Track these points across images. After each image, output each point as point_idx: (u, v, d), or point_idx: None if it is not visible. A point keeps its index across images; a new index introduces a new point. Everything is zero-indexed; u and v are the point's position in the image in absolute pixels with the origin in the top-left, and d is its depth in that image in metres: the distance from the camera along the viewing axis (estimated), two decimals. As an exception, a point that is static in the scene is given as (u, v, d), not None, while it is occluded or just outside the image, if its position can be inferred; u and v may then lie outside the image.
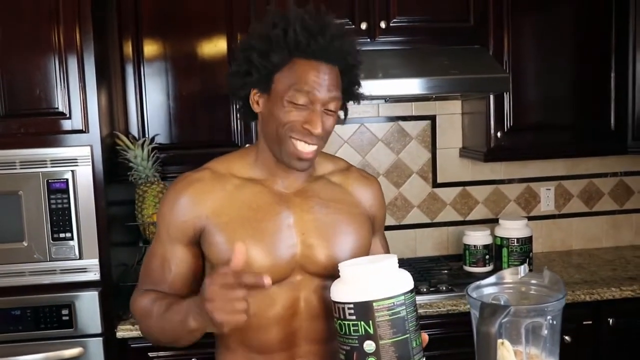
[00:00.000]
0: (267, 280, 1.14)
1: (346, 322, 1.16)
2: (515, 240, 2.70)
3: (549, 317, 1.14)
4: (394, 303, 1.13)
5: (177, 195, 1.40)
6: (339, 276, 1.24)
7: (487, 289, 1.26)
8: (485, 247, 2.75)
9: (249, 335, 1.38)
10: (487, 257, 2.76)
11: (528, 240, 2.72)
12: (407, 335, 1.15)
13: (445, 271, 2.78)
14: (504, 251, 2.72)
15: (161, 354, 2.34)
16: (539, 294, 1.23)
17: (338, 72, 1.34)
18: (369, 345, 1.13)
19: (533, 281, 1.25)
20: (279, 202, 1.39)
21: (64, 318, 2.22)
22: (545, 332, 1.15)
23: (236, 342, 1.42)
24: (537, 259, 2.97)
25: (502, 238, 2.73)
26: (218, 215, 1.36)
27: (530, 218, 2.97)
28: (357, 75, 1.41)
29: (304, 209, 1.39)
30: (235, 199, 1.38)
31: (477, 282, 1.26)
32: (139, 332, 2.23)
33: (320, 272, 1.38)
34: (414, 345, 1.17)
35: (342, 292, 1.18)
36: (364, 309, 1.13)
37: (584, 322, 2.54)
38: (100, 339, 2.26)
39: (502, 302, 1.23)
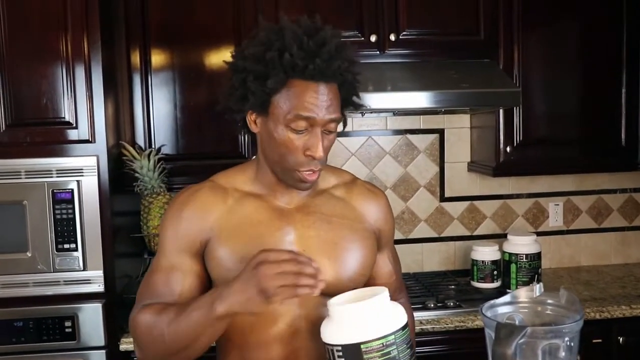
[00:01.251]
0: (320, 286, 1.12)
1: None
2: (524, 256, 2.67)
3: (566, 339, 1.11)
4: (383, 344, 1.07)
5: (181, 207, 1.38)
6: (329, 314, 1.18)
7: (502, 308, 1.23)
8: (494, 262, 2.72)
9: (249, 354, 1.36)
10: (495, 272, 2.73)
11: (537, 257, 2.69)
12: None
13: (453, 286, 2.75)
14: (513, 267, 2.69)
15: (164, 367, 2.30)
16: (555, 314, 1.20)
17: (336, 88, 1.30)
18: None
19: (549, 301, 1.22)
20: (279, 217, 1.36)
21: (67, 330, 2.19)
22: (563, 354, 1.12)
23: (235, 354, 1.38)
24: (546, 275, 2.93)
25: (510, 254, 2.70)
26: (220, 228, 1.34)
27: (538, 233, 2.93)
28: (355, 87, 1.36)
29: (305, 225, 1.36)
30: (236, 213, 1.36)
31: (492, 301, 1.23)
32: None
33: (324, 290, 1.35)
34: None
35: (330, 332, 1.12)
36: (353, 352, 1.07)
37: (594, 341, 2.50)
38: (104, 351, 2.22)
39: (517, 322, 1.20)
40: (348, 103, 1.36)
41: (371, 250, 1.43)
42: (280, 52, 1.24)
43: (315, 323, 1.33)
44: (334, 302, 1.16)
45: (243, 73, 1.28)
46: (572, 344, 1.13)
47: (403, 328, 1.10)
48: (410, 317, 1.56)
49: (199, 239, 1.35)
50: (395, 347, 1.08)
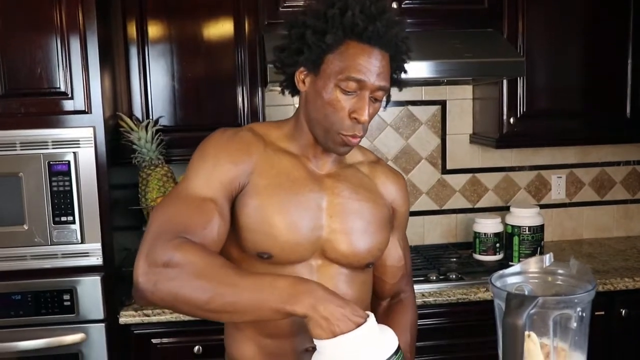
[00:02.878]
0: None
1: None
2: (527, 228, 2.64)
3: (578, 309, 1.08)
4: None
5: (230, 139, 1.32)
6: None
7: (511, 279, 1.20)
8: (496, 235, 2.70)
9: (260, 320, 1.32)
10: (497, 245, 2.70)
11: (540, 229, 2.66)
12: None
13: (454, 259, 2.73)
14: (515, 239, 2.66)
15: (164, 340, 2.29)
16: (566, 285, 1.17)
17: (389, 58, 1.29)
18: None
19: (560, 271, 1.19)
20: (313, 180, 1.36)
21: (65, 303, 2.17)
22: (574, 324, 1.09)
23: (247, 323, 1.36)
24: (548, 248, 2.91)
25: (513, 226, 2.67)
26: (259, 175, 1.31)
27: (540, 206, 2.90)
28: (404, 62, 1.36)
29: (335, 192, 1.36)
30: (274, 164, 1.33)
31: (501, 271, 1.20)
32: (143, 318, 2.23)
33: (339, 260, 1.35)
34: None
35: None
36: None
37: (596, 313, 2.48)
38: (103, 324, 2.21)
39: (526, 293, 1.17)
40: (395, 80, 1.36)
41: (387, 228, 1.44)
42: (342, 10, 1.25)
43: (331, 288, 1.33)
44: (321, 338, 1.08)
45: (302, 27, 1.29)
46: (584, 315, 1.10)
47: (396, 353, 1.05)
48: (414, 315, 1.55)
49: (239, 180, 1.30)
50: None
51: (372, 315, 1.08)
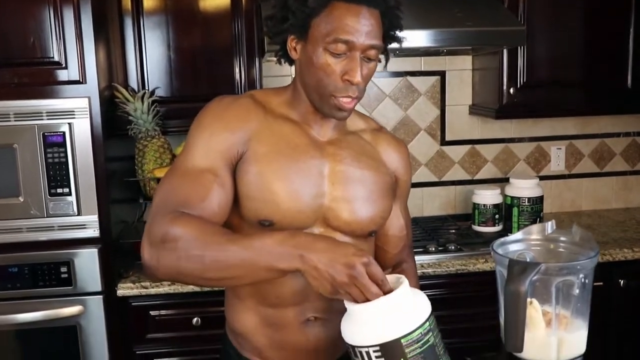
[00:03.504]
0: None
1: None
2: (527, 199, 2.63)
3: (581, 276, 1.08)
4: (421, 333, 1.00)
5: (226, 107, 1.30)
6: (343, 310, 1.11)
7: (513, 246, 1.19)
8: (495, 206, 2.68)
9: (262, 286, 1.32)
10: (496, 216, 2.69)
11: (539, 200, 2.65)
12: None
13: (453, 230, 2.72)
14: (515, 211, 2.65)
15: (163, 312, 2.29)
16: (569, 252, 1.16)
17: (378, 15, 1.25)
18: None
19: (562, 238, 1.18)
20: (314, 147, 1.33)
21: (62, 275, 2.16)
22: (577, 291, 1.08)
23: (248, 292, 1.36)
24: (547, 219, 2.88)
25: (512, 197, 2.66)
26: (258, 141, 1.29)
27: (540, 178, 2.89)
28: (398, 17, 1.31)
29: (337, 159, 1.34)
30: (274, 131, 1.31)
31: (502, 239, 1.19)
32: (141, 290, 2.22)
33: (342, 228, 1.33)
34: None
35: (360, 333, 1.03)
36: (393, 349, 0.99)
37: (595, 284, 2.47)
38: (100, 297, 2.19)
39: (528, 260, 1.16)
40: (390, 36, 1.32)
41: (390, 197, 1.42)
42: None
43: None
44: (353, 303, 1.06)
45: None
46: (586, 281, 1.09)
47: (432, 313, 1.05)
48: (415, 286, 1.54)
49: (237, 148, 1.28)
50: (431, 332, 1.03)
51: (403, 277, 1.07)
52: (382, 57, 1.34)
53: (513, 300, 1.02)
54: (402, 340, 0.99)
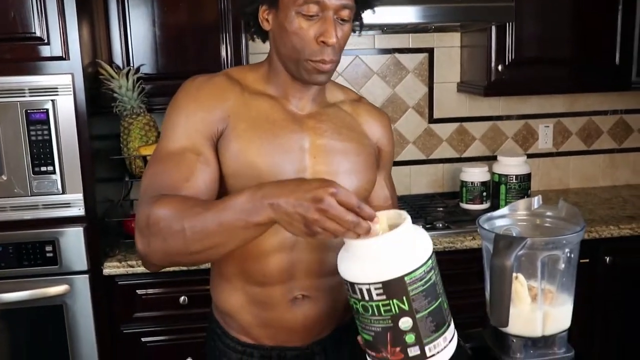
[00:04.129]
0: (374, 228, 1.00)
1: (374, 304, 0.99)
2: (514, 177, 2.64)
3: (566, 250, 1.07)
4: (424, 271, 0.98)
5: (198, 90, 1.28)
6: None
7: (499, 221, 1.18)
8: (483, 184, 2.68)
9: (247, 265, 1.31)
10: (484, 194, 2.69)
11: (527, 178, 2.66)
12: (439, 300, 1.01)
13: (441, 208, 2.72)
14: (502, 188, 2.66)
15: (150, 291, 2.28)
16: (555, 227, 1.15)
17: None
18: (405, 323, 0.98)
19: (548, 213, 1.18)
20: (293, 121, 1.32)
21: (48, 255, 2.14)
22: (562, 266, 1.08)
23: (234, 271, 1.35)
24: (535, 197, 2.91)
25: (500, 175, 2.66)
26: (237, 118, 1.27)
27: (527, 156, 2.89)
28: None
29: (318, 132, 1.32)
30: (252, 107, 1.29)
31: (489, 214, 1.18)
32: (127, 269, 2.21)
33: None
34: (445, 306, 1.03)
35: (362, 270, 0.99)
36: (396, 287, 0.97)
37: (581, 261, 2.48)
38: (86, 276, 2.18)
39: (514, 235, 1.15)
40: (363, 1, 1.30)
41: (374, 169, 1.40)
42: None
43: None
44: (354, 238, 1.01)
45: None
46: (571, 256, 1.09)
47: (433, 251, 1.03)
48: None
49: (215, 126, 1.26)
50: (433, 271, 1.00)
51: (405, 213, 1.04)
52: (358, 27, 1.34)
53: (499, 274, 1.02)
54: (406, 278, 0.97)
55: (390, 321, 0.99)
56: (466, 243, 2.38)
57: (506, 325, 1.06)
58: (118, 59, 2.40)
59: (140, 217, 1.15)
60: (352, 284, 1.00)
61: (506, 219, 1.19)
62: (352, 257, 1.01)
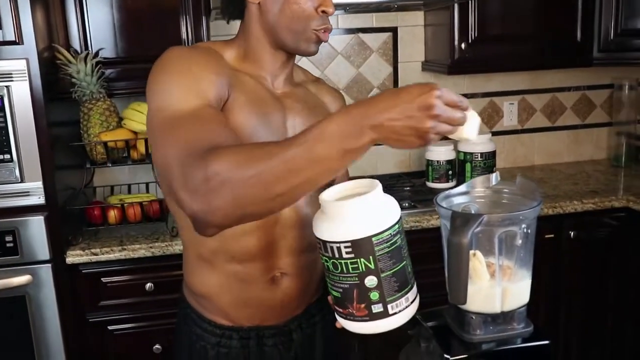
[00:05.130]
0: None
1: (342, 261, 1.06)
2: (479, 155, 2.65)
3: (523, 226, 1.07)
4: (390, 234, 1.05)
5: (193, 52, 1.23)
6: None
7: (457, 199, 1.18)
8: (449, 162, 2.69)
9: (229, 243, 1.30)
10: (450, 172, 2.70)
11: (492, 155, 2.67)
12: (404, 262, 1.09)
13: (408, 188, 2.73)
14: (468, 166, 2.67)
15: (115, 278, 2.25)
16: (513, 203, 1.15)
17: None
18: (370, 281, 1.06)
19: (506, 189, 1.18)
20: (275, 100, 1.32)
21: (8, 245, 2.09)
22: (520, 241, 1.08)
23: (213, 250, 1.32)
24: (500, 174, 2.93)
25: (465, 153, 2.67)
26: (236, 90, 1.24)
27: (493, 133, 2.90)
28: None
29: (295, 111, 1.33)
30: (242, 82, 1.27)
31: (447, 192, 1.18)
32: (91, 257, 2.18)
33: None
34: (409, 269, 1.11)
35: (334, 229, 1.06)
36: (364, 246, 1.04)
37: (546, 236, 2.53)
38: (49, 265, 2.14)
39: (472, 212, 1.15)
40: None
41: None
42: None
43: (296, 211, 1.33)
44: (330, 199, 1.08)
45: None
46: (529, 231, 1.09)
47: (401, 217, 1.11)
48: None
49: (224, 91, 1.19)
50: (399, 235, 1.08)
51: (379, 184, 1.09)
52: None
53: (456, 252, 1.02)
54: (373, 239, 1.03)
55: (357, 278, 1.06)
56: (432, 222, 2.39)
57: (464, 302, 1.06)
58: (76, 43, 2.35)
59: (193, 179, 0.98)
60: (325, 242, 1.07)
61: (465, 196, 1.19)
62: (327, 218, 1.07)
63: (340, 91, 1.56)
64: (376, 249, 1.04)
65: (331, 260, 1.08)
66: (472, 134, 1.00)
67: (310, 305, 1.45)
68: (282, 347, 1.40)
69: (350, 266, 1.06)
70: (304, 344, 1.43)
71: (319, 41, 1.29)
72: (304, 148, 0.94)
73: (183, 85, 1.13)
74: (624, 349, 2.68)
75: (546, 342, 1.13)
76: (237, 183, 0.95)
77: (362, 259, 1.04)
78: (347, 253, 1.05)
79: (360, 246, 1.04)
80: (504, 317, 1.12)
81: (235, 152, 0.98)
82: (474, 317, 1.11)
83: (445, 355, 1.09)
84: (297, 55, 1.36)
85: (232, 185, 0.95)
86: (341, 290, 1.09)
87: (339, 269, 1.07)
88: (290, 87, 1.37)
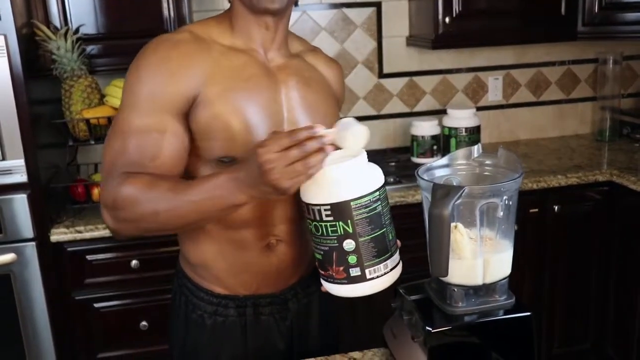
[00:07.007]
0: (328, 149, 1.07)
1: (323, 224, 1.12)
2: (464, 129, 2.65)
3: (504, 198, 1.08)
4: (370, 200, 1.10)
5: (163, 58, 1.23)
6: None
7: (439, 171, 1.18)
8: (433, 137, 2.69)
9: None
10: (435, 147, 2.71)
11: (476, 130, 2.68)
12: (384, 230, 1.13)
13: (393, 163, 2.73)
14: (452, 141, 2.67)
15: (100, 256, 2.25)
16: (494, 175, 1.16)
17: None
18: (348, 244, 1.11)
19: (488, 161, 1.18)
20: (267, 74, 1.30)
21: (-10, 223, 2.09)
22: (501, 213, 1.09)
23: None
24: (485, 149, 2.93)
25: (450, 128, 2.68)
26: (210, 82, 1.23)
27: (478, 108, 2.90)
28: None
29: (290, 85, 1.32)
30: (225, 67, 1.25)
31: (428, 164, 1.18)
32: (75, 235, 2.17)
33: None
34: (390, 237, 1.16)
35: (316, 193, 1.12)
36: (342, 210, 1.10)
37: (531, 211, 2.54)
38: (34, 243, 2.14)
39: (454, 184, 1.15)
40: None
41: (337, 117, 1.40)
42: None
43: None
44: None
45: None
46: (510, 203, 1.09)
47: (384, 185, 1.15)
48: None
49: (187, 96, 1.21)
50: (379, 202, 1.12)
51: (364, 152, 1.14)
52: None
53: (437, 224, 1.02)
54: (352, 203, 1.09)
55: (336, 241, 1.12)
56: (417, 197, 2.39)
57: (446, 274, 1.07)
58: (55, 19, 2.32)
59: (107, 197, 1.19)
60: (307, 205, 1.13)
61: (446, 169, 1.19)
62: (312, 182, 1.11)
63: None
64: (354, 213, 1.09)
65: (313, 223, 1.13)
66: (355, 146, 1.12)
67: (306, 275, 1.45)
68: (278, 316, 1.41)
69: (329, 229, 1.11)
70: (299, 313, 1.44)
71: None
72: (191, 198, 1.14)
73: (141, 95, 1.21)
74: (607, 320, 2.71)
75: (528, 313, 1.14)
76: (138, 216, 1.17)
77: (340, 222, 1.10)
78: (326, 216, 1.10)
79: (339, 210, 1.09)
80: (485, 289, 1.13)
81: (144, 188, 1.16)
82: (455, 290, 1.12)
83: (427, 328, 1.10)
84: (288, 23, 1.34)
85: (134, 217, 1.18)
86: (322, 252, 1.15)
87: (320, 231, 1.13)
88: (285, 59, 1.35)
